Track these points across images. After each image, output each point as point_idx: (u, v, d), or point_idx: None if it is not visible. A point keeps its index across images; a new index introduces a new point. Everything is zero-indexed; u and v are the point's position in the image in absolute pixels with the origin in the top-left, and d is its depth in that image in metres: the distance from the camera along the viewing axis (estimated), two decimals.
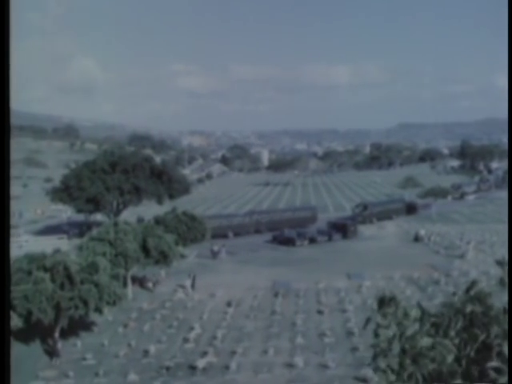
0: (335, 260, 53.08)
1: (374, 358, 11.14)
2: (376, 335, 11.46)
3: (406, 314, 11.27)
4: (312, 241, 62.47)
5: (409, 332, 10.61)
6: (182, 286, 43.71)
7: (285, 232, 64.28)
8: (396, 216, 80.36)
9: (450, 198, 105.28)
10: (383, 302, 11.76)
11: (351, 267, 49.30)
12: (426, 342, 10.33)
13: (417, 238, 61.92)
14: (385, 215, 78.81)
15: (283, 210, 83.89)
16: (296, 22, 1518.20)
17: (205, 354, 30.41)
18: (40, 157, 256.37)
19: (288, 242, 61.90)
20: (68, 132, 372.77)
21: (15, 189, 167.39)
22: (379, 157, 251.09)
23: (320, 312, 37.68)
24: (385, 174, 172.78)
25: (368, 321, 12.20)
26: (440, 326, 10.65)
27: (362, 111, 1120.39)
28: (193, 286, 43.63)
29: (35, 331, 31.66)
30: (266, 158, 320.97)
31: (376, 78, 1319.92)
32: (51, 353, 31.39)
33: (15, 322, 24.61)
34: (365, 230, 69.64)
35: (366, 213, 76.78)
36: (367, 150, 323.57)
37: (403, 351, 10.35)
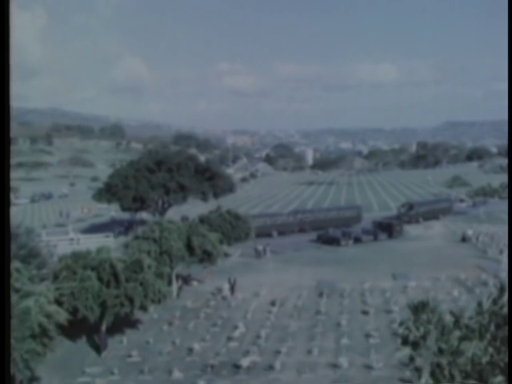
0: (380, 260, 52.52)
1: (412, 359, 10.94)
2: (405, 342, 11.22)
3: (440, 320, 11.03)
4: (357, 240, 61.95)
5: (445, 332, 10.40)
6: (220, 290, 43.07)
7: (329, 231, 63.91)
8: (443, 216, 79.12)
9: (496, 197, 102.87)
10: (417, 309, 11.54)
11: (397, 267, 48.71)
12: (462, 344, 10.08)
13: (464, 239, 60.81)
14: (431, 215, 77.63)
15: (328, 209, 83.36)
16: (342, 20, 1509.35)
17: (249, 353, 30.38)
18: (87, 156, 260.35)
19: (333, 241, 61.52)
20: (114, 132, 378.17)
21: (63, 188, 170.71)
22: (425, 156, 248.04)
23: (365, 312, 37.30)
24: (431, 173, 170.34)
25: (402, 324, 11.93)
26: (475, 329, 10.40)
27: (409, 109, 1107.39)
28: (232, 289, 42.85)
29: (82, 328, 32.10)
30: (310, 156, 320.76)
31: (423, 76, 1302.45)
32: (99, 346, 31.88)
33: (63, 318, 24.90)
34: (411, 229, 68.76)
35: (412, 212, 75.78)
36: (413, 148, 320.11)
37: (440, 351, 10.15)
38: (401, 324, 11.96)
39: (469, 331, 10.51)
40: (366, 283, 43.91)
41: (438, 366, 9.95)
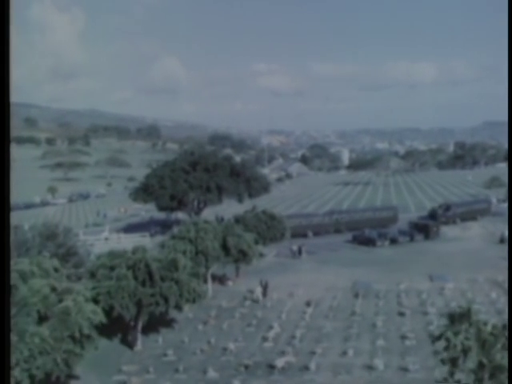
0: (417, 261, 51.99)
1: (451, 374, 10.69)
2: (446, 349, 10.92)
3: (479, 330, 10.76)
4: (393, 241, 61.41)
5: (486, 346, 10.15)
6: (252, 292, 42.50)
7: (365, 232, 63.46)
8: (481, 217, 77.89)
9: None
10: (454, 318, 11.28)
11: (434, 269, 48.18)
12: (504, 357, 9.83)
13: (503, 240, 59.79)
14: (469, 216, 76.45)
15: (364, 209, 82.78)
16: (379, 19, 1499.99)
17: (283, 353, 30.33)
18: (124, 156, 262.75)
19: (368, 242, 61.13)
20: (151, 132, 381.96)
21: (100, 188, 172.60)
22: (463, 156, 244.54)
23: (401, 314, 36.98)
24: (469, 174, 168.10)
25: (440, 337, 11.67)
26: None
27: (446, 109, 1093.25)
28: (264, 293, 42.19)
29: (118, 327, 32.40)
30: (346, 157, 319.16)
31: (462, 75, 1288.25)
32: (131, 343, 32.29)
33: (100, 318, 25.15)
34: (448, 230, 67.88)
35: (449, 213, 74.76)
36: (451, 148, 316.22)
37: (481, 365, 9.91)
38: (439, 337, 11.67)
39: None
40: (402, 284, 43.54)
41: (480, 381, 9.74)
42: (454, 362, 10.52)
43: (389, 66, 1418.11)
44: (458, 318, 10.86)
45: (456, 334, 10.65)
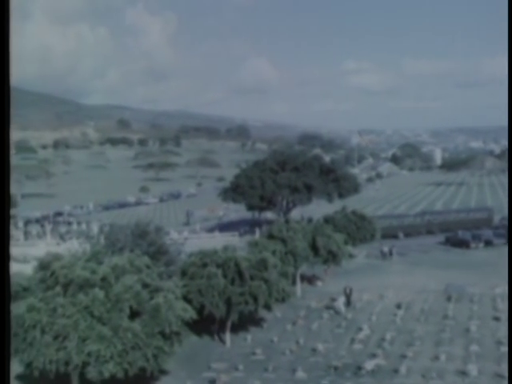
0: None
1: None
2: None
3: None
4: (488, 243, 59.50)
5: None
6: (334, 301, 39.78)
7: (459, 234, 61.85)
8: None
9: None
10: None
11: None
12: None
13: None
14: None
15: (457, 210, 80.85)
16: (473, 14, 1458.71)
17: (373, 355, 29.87)
18: (213, 157, 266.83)
19: (462, 244, 59.55)
20: (240, 132, 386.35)
21: (190, 187, 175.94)
22: None
23: (496, 319, 35.70)
24: None
25: None
26: None
27: None
28: (348, 302, 39.74)
29: (208, 324, 32.87)
30: (438, 156, 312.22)
31: None
32: (220, 341, 32.80)
33: (190, 314, 25.52)
34: None
35: None
36: None
37: None
38: None
39: None
40: (498, 288, 42.02)
41: None
42: None
43: (486, 62, 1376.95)
44: None
45: None
